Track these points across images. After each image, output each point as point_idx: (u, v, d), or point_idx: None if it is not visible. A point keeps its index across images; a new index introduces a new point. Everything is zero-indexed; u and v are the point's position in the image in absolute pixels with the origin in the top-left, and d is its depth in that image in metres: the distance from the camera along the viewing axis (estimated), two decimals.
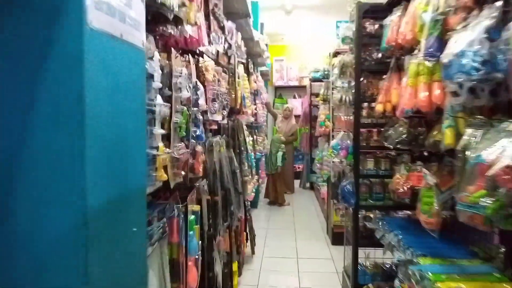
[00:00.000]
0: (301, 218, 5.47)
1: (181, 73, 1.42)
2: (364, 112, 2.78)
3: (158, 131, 1.19)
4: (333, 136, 4.35)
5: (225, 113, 2.64)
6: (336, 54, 4.37)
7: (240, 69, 3.43)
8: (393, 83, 2.48)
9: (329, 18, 6.98)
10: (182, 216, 1.55)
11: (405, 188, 2.25)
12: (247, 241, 3.82)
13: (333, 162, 3.06)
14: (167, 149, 1.31)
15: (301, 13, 7.41)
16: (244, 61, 3.70)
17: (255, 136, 5.01)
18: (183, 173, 1.46)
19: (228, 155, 2.69)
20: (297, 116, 7.73)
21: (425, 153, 2.48)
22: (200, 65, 2.01)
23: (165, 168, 1.30)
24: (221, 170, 2.35)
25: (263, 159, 6.11)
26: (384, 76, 2.69)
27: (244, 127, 3.72)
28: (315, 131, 7.44)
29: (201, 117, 1.65)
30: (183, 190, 1.78)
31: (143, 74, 1.08)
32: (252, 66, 4.47)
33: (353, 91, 2.72)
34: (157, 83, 1.19)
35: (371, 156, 2.73)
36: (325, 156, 4.34)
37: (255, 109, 5.12)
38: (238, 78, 3.24)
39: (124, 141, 0.97)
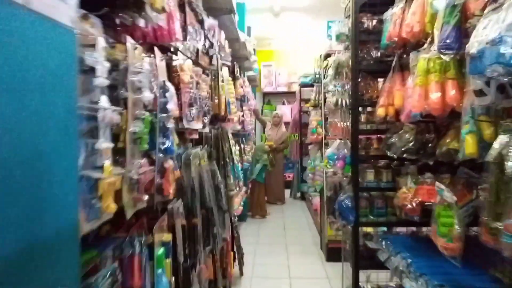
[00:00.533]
0: (293, 232, 5.15)
1: (142, 68, 1.10)
2: (362, 118, 2.50)
3: (102, 145, 0.87)
4: (325, 144, 4.05)
5: (206, 120, 2.33)
6: (327, 56, 4.11)
7: (225, 72, 3.12)
8: (396, 84, 2.20)
9: (319, 20, 6.74)
10: (147, 251, 1.22)
11: (414, 204, 1.95)
12: (234, 261, 3.48)
13: (328, 173, 2.76)
14: (120, 169, 0.98)
15: (289, 16, 7.14)
16: (229, 63, 3.39)
17: (242, 145, 4.69)
18: (146, 197, 1.13)
19: (211, 168, 2.37)
20: (286, 123, 7.45)
21: (430, 162, 2.18)
22: (174, 64, 1.70)
23: (118, 193, 0.98)
24: (201, 186, 2.03)
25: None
26: (384, 77, 2.42)
27: (230, 135, 3.41)
28: (305, 138, 7.18)
29: (171, 125, 1.32)
30: (153, 215, 1.46)
31: (73, 64, 0.76)
32: (238, 69, 4.17)
33: (350, 93, 2.43)
34: (100, 80, 0.87)
35: (371, 166, 2.44)
36: (318, 166, 4.05)
37: (242, 116, 4.81)
38: (222, 81, 2.94)
39: (38, 160, 0.65)
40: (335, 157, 2.51)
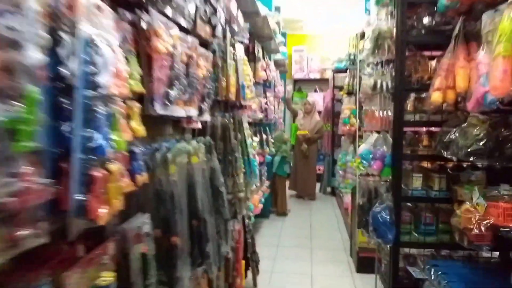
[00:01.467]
0: (320, 234, 4.60)
1: (20, 7, 0.61)
2: (409, 105, 1.92)
3: None
4: (360, 137, 3.46)
5: (205, 105, 1.85)
6: (364, 35, 3.50)
7: (239, 50, 2.61)
8: (459, 60, 1.60)
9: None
10: None
11: (483, 228, 1.37)
12: (247, 270, 3.01)
13: (361, 176, 2.21)
14: None
15: None
16: (245, 40, 2.87)
17: (264, 136, 4.18)
18: (32, 231, 0.66)
19: (210, 165, 1.88)
20: (318, 112, 6.82)
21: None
22: (145, 27, 1.21)
23: None
24: (190, 192, 1.55)
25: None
26: (440, 52, 1.82)
27: (246, 125, 2.91)
28: (337, 128, 6.55)
29: (105, 110, 0.84)
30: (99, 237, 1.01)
31: None
32: (259, 50, 3.65)
33: (393, 73, 1.85)
34: None
35: (418, 169, 1.86)
36: (349, 162, 3.48)
37: (266, 103, 4.29)
38: (234, 59, 2.44)
39: None
40: (371, 156, 1.94)
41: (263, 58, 4.01)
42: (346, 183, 3.75)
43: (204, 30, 1.88)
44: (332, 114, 6.72)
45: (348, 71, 4.10)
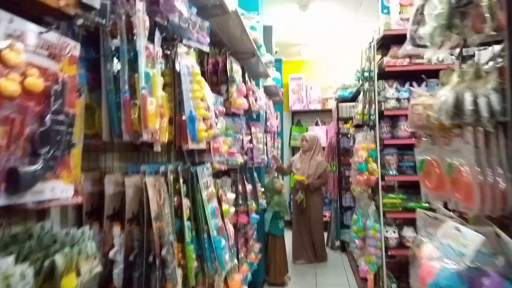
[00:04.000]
0: None
1: None
2: None
3: None
4: (385, 190, 2.32)
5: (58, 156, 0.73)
6: (383, 43, 2.46)
7: (186, 60, 1.56)
8: None
9: (358, 14, 5.10)
10: None
11: None
12: None
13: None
14: None
15: (319, 8, 5.40)
16: (203, 47, 1.81)
17: (248, 186, 3.06)
18: None
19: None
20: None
21: None
22: None
23: None
24: None
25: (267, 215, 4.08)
26: None
27: (206, 180, 1.80)
28: (344, 168, 5.41)
29: None
30: None
31: None
32: (236, 69, 2.59)
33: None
34: None
35: None
36: (371, 229, 2.33)
37: (250, 141, 3.19)
38: (164, 68, 1.39)
39: None
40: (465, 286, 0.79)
41: (245, 81, 2.96)
42: (368, 261, 2.56)
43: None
44: (338, 151, 5.62)
45: (361, 94, 3.01)
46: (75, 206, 1.10)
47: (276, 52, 6.15)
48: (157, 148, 1.23)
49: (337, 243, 5.55)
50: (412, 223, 2.68)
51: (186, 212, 1.50)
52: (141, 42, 1.10)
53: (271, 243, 4.08)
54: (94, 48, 1.08)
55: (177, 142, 1.46)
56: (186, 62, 1.55)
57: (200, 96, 1.55)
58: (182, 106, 1.47)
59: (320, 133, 6.55)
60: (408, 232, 2.61)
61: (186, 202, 1.51)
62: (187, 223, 1.47)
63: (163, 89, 1.54)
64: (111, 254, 1.09)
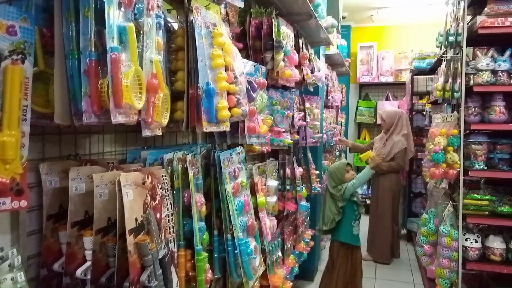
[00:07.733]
0: None
1: None
2: None
3: None
4: (467, 187, 1.81)
5: None
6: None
7: (206, 15, 1.22)
8: None
9: None
10: None
11: None
12: None
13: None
14: None
15: None
16: (237, 2, 1.44)
17: (298, 170, 2.69)
18: None
19: None
20: None
21: None
22: None
23: None
24: None
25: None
26: None
27: (236, 167, 1.49)
28: (416, 147, 4.74)
29: None
30: None
31: None
32: (285, 32, 2.18)
33: None
34: None
35: None
36: (446, 236, 1.85)
37: (303, 117, 2.79)
38: (157, 30, 1.05)
39: None
40: None
41: (298, 48, 2.53)
42: (439, 274, 2.08)
43: None
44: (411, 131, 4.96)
45: (443, 65, 2.40)
46: (33, 208, 0.85)
47: (344, 18, 5.54)
48: (150, 132, 0.92)
49: (403, 231, 5.00)
50: (501, 231, 2.09)
51: (199, 210, 1.20)
52: None
53: (342, 257, 2.80)
54: None
55: (190, 123, 1.15)
56: (206, 18, 1.20)
57: (221, 64, 1.20)
58: (196, 76, 1.14)
59: (390, 108, 5.86)
60: (495, 242, 2.04)
61: (200, 198, 1.20)
62: (199, 224, 1.17)
63: (176, 54, 1.22)
64: (78, 272, 0.83)
